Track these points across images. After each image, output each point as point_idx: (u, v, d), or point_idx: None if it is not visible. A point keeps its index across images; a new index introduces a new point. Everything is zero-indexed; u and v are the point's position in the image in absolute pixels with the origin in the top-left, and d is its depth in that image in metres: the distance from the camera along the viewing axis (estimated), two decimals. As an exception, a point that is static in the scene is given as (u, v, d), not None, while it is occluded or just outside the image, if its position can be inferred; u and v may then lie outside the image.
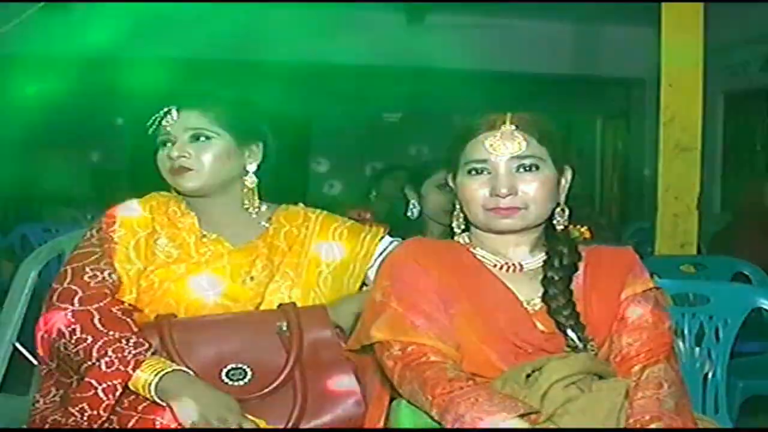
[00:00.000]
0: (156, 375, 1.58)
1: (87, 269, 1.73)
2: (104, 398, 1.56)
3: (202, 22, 5.82)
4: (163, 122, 1.84)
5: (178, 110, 1.84)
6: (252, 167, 1.89)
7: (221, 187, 1.86)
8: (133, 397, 1.61)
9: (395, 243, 1.88)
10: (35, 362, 2.05)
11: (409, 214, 2.17)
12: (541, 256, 1.66)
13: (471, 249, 1.67)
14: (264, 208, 1.91)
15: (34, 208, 6.94)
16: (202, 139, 1.83)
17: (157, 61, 6.32)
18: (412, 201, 2.46)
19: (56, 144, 7.88)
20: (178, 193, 1.88)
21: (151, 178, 1.87)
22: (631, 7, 5.57)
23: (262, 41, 6.18)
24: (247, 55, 6.33)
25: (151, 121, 1.85)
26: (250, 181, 1.89)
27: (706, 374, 2.28)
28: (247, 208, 1.89)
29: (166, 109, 1.85)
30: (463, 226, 1.69)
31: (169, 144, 1.83)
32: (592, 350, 1.55)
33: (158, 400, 1.58)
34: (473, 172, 1.62)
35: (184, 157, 1.81)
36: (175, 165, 1.82)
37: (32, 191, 7.99)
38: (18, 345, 2.13)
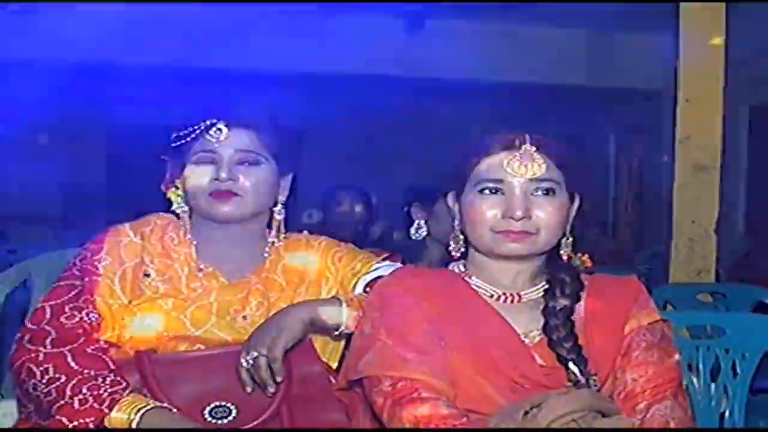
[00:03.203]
0: (137, 413, 1.60)
1: (66, 308, 1.74)
2: None
3: (189, 27, 5.85)
4: (207, 137, 1.81)
5: (227, 126, 1.81)
6: (282, 199, 1.90)
7: (252, 217, 1.86)
8: None
9: (391, 267, 1.89)
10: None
11: (413, 235, 2.17)
12: (541, 285, 1.69)
13: (466, 278, 1.70)
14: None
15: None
16: (249, 163, 1.82)
17: (135, 69, 6.35)
18: (418, 221, 2.47)
19: (22, 157, 7.87)
20: (185, 216, 1.87)
21: (127, 194, 1.86)
22: (648, 14, 5.61)
23: (255, 49, 6.22)
24: (240, 63, 6.36)
25: (186, 132, 1.81)
26: (279, 213, 1.90)
27: (723, 413, 2.27)
28: (273, 243, 1.90)
29: (210, 123, 1.81)
30: (463, 249, 1.71)
31: (210, 163, 1.80)
32: (595, 386, 1.57)
33: None
34: (485, 192, 1.64)
35: (233, 180, 1.79)
36: (221, 188, 1.79)
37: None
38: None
